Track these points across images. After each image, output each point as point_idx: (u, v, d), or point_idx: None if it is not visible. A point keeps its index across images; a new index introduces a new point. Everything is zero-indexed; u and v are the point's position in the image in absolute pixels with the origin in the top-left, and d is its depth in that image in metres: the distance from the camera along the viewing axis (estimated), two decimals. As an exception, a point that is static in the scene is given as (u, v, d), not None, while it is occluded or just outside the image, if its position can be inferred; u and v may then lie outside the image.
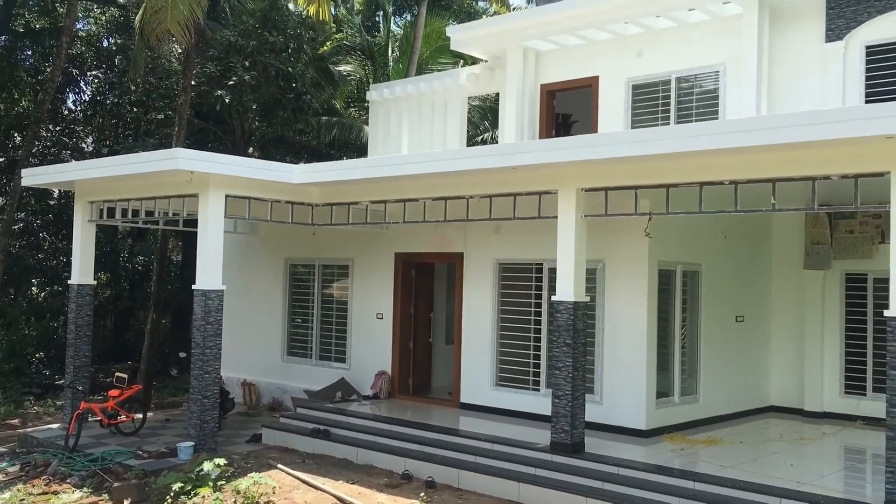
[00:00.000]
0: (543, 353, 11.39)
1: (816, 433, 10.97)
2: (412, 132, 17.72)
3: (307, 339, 14.79)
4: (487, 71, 16.61)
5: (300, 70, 19.90)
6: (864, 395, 11.84)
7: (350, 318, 14.05)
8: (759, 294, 12.65)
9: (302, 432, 11.51)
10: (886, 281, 7.27)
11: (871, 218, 11.66)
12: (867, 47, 11.71)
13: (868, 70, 11.71)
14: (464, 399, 12.23)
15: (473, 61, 21.13)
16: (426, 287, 13.84)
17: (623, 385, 10.50)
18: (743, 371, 12.20)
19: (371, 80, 24.02)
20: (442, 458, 9.96)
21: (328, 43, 23.53)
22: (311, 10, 18.31)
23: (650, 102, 13.98)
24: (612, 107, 14.33)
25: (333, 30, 23.85)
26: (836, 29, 11.96)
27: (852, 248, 11.83)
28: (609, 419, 10.51)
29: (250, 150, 21.69)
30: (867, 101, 11.58)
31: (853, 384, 12.02)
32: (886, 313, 7.21)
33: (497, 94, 17.32)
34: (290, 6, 20.76)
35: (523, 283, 11.77)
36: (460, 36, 15.98)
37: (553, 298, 9.63)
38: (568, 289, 9.44)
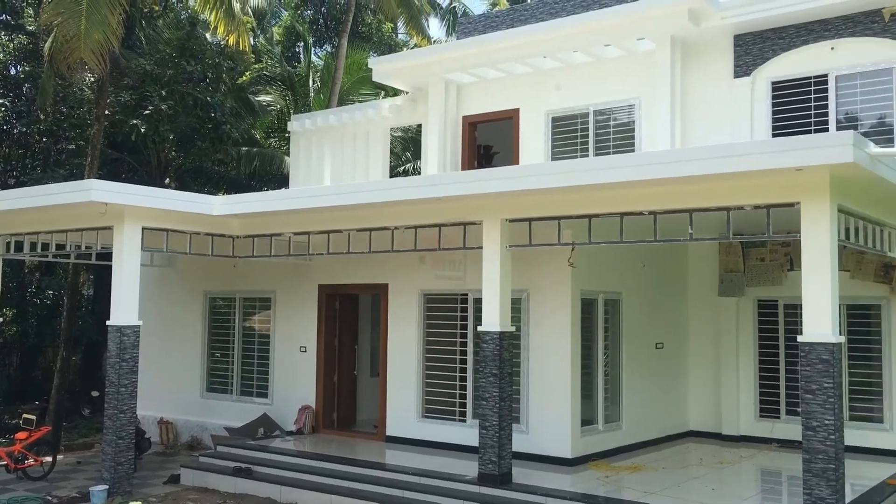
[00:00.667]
0: (469, 383, 11.38)
1: (734, 457, 11.26)
2: (334, 163, 17.63)
3: (227, 375, 14.40)
4: (409, 102, 16.71)
5: (219, 100, 19.61)
6: (778, 418, 12.23)
7: (272, 352, 13.75)
8: (677, 321, 12.98)
9: (223, 471, 11.15)
10: (795, 307, 7.57)
11: (780, 246, 12.14)
12: (773, 83, 12.29)
13: (774, 104, 12.28)
14: (390, 432, 12.09)
15: (395, 92, 21.20)
16: (350, 319, 13.69)
17: (549, 414, 10.56)
18: (663, 397, 12.45)
19: (292, 111, 23.87)
20: (369, 494, 9.80)
21: (248, 73, 23.31)
22: (231, 39, 18.13)
23: (569, 134, 14.30)
24: (533, 138, 14.61)
25: (253, 59, 23.63)
26: (744, 65, 12.51)
27: (763, 276, 12.28)
28: (535, 448, 10.54)
29: (167, 180, 21.18)
30: (774, 134, 12.13)
31: (767, 407, 12.40)
32: (800, 338, 7.48)
33: (419, 126, 17.43)
34: (208, 36, 20.49)
35: (449, 314, 11.77)
36: (382, 68, 16.05)
37: (479, 329, 9.66)
38: (493, 319, 9.48)
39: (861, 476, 9.77)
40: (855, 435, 11.30)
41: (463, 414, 11.46)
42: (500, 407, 9.36)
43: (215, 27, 17.82)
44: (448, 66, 15.17)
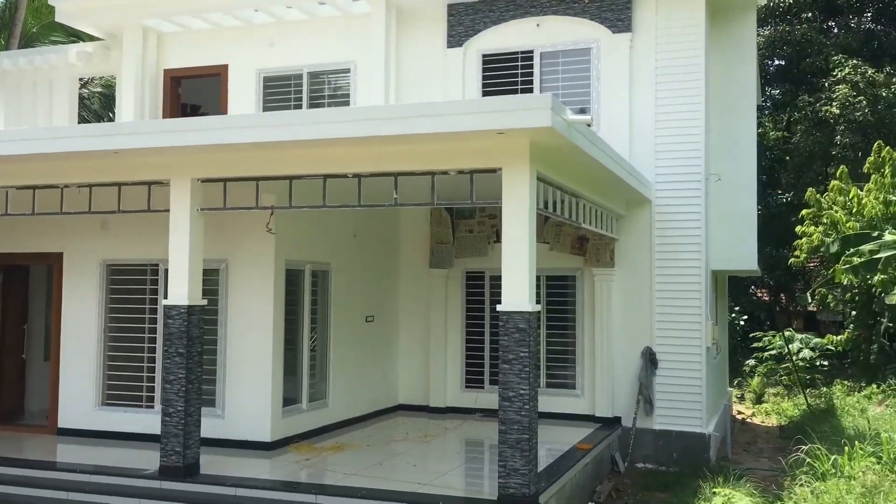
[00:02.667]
0: (159, 365, 10.14)
1: (440, 429, 11.18)
2: (9, 113, 15.24)
3: None
4: (103, 50, 14.82)
5: None
6: (483, 388, 12.39)
7: (-86, 335, 11.40)
8: (389, 293, 12.68)
9: None
10: (500, 278, 7.39)
11: (487, 218, 12.25)
12: (483, 55, 12.33)
13: (484, 77, 12.33)
14: (63, 424, 10.47)
15: (92, 40, 18.84)
16: (19, 294, 11.74)
17: (247, 395, 9.69)
18: (373, 371, 12.10)
19: (-39, 53, 20.35)
20: (26, 500, 8.29)
21: None
22: None
23: (282, 96, 13.46)
24: (243, 98, 13.59)
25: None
26: (457, 36, 12.42)
27: (471, 247, 12.34)
28: (232, 433, 9.63)
29: None
30: (484, 107, 12.16)
31: (473, 378, 12.53)
32: (499, 307, 7.32)
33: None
34: None
35: (137, 287, 10.41)
36: (66, 7, 14.01)
37: (164, 302, 8.52)
38: (181, 291, 8.39)
39: (555, 441, 10.09)
40: (552, 402, 11.80)
41: (151, 399, 10.22)
42: (188, 390, 8.32)
43: None
44: (146, 11, 13.58)
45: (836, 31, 25.70)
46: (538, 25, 12.06)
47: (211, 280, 9.77)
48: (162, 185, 8.68)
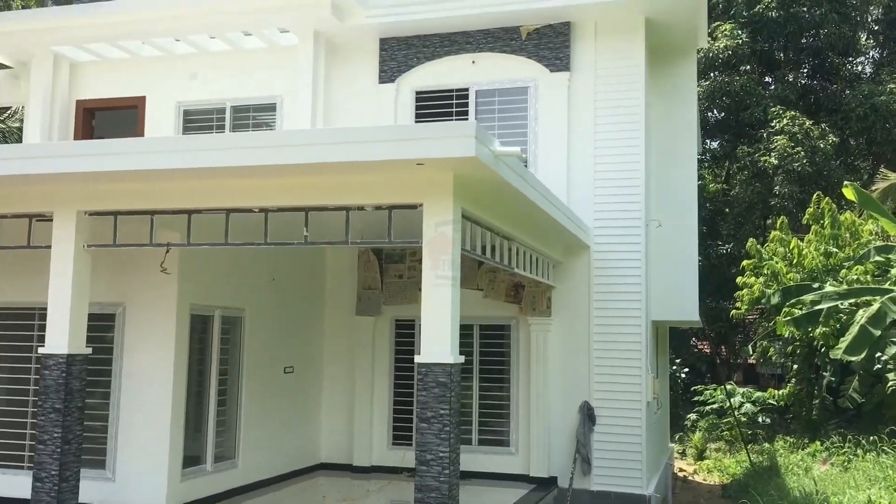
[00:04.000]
0: (43, 420, 9.03)
1: (362, 491, 10.24)
2: None
3: None
4: (11, 79, 13.87)
5: None
6: (410, 445, 11.48)
7: None
8: (311, 342, 11.77)
9: None
10: (428, 326, 6.63)
11: (418, 262, 11.44)
12: (416, 92, 11.74)
13: (418, 114, 11.72)
14: (-68, 489, 9.26)
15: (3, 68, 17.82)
16: None
17: (143, 455, 8.62)
18: (291, 427, 11.11)
19: None
20: None
21: None
22: None
23: (204, 131, 12.64)
24: (162, 132, 12.76)
25: None
26: (389, 71, 11.82)
27: (400, 294, 11.56)
28: (124, 499, 8.54)
29: None
30: (416, 146, 11.51)
31: (400, 435, 11.64)
32: (417, 359, 6.56)
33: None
34: None
35: (20, 334, 9.33)
36: (-32, 30, 13.04)
37: (41, 351, 7.52)
38: (61, 338, 7.43)
39: (485, 505, 9.26)
40: (485, 460, 10.99)
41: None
42: (63, 451, 7.29)
43: None
44: (57, 37, 12.74)
45: (773, 85, 26.02)
46: (474, 62, 11.53)
47: (106, 326, 8.81)
48: (45, 218, 7.74)
